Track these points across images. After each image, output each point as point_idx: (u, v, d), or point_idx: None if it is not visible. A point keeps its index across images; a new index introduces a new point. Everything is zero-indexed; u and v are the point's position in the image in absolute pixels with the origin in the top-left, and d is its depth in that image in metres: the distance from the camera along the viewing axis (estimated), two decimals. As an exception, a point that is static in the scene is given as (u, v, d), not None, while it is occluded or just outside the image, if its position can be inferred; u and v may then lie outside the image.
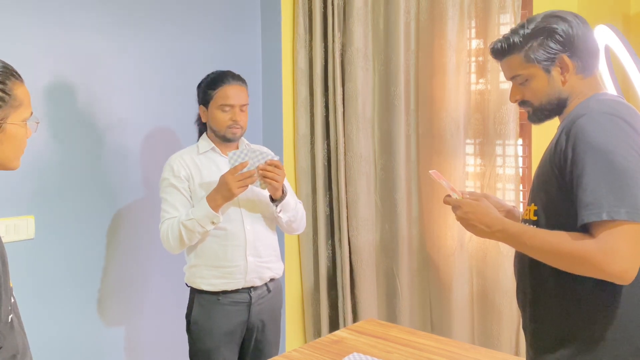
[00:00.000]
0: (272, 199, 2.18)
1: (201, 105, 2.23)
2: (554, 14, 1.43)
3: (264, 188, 2.11)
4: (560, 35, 1.39)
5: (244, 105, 2.21)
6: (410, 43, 2.83)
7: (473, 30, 2.69)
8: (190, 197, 2.17)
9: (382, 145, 2.95)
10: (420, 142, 2.85)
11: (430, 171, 1.65)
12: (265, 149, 2.26)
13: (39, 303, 2.37)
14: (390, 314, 2.95)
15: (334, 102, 3.02)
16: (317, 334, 3.19)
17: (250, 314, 2.21)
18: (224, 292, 2.17)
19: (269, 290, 2.26)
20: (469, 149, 2.72)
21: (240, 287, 2.18)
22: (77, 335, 2.49)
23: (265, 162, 2.08)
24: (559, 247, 1.28)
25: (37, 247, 2.35)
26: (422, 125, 2.82)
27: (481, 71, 2.66)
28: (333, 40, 3.02)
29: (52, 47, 2.37)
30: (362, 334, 2.21)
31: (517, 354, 2.54)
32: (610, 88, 2.15)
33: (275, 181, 2.08)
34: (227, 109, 2.16)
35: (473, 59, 2.70)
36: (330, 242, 3.16)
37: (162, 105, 2.76)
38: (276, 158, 2.10)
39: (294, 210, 2.26)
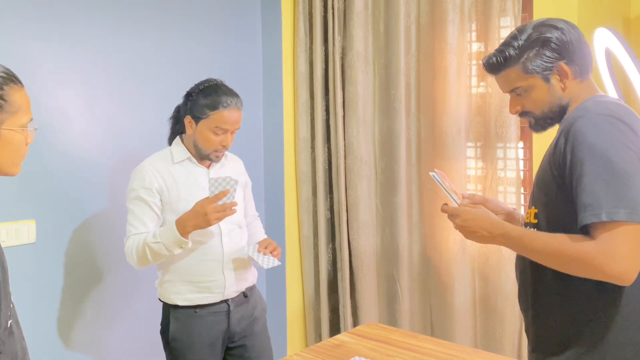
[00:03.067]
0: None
1: (189, 117, 2.07)
2: (545, 22, 1.43)
3: (267, 267, 2.09)
4: (555, 44, 1.40)
5: (237, 129, 2.11)
6: (411, 46, 2.83)
7: (474, 34, 2.69)
8: (161, 211, 2.06)
9: (383, 149, 2.95)
10: (421, 145, 2.85)
11: (431, 173, 1.62)
12: (236, 170, 2.24)
13: (39, 307, 2.36)
14: (391, 318, 2.94)
15: (335, 105, 3.03)
16: (318, 337, 3.19)
17: (230, 322, 2.13)
18: (201, 306, 2.09)
19: (245, 295, 2.19)
20: (470, 152, 2.72)
21: (218, 301, 2.10)
22: (78, 340, 2.49)
23: (264, 247, 2.11)
24: (559, 249, 1.28)
25: (38, 252, 2.35)
26: (423, 129, 2.82)
27: (482, 74, 2.65)
28: (333, 44, 3.02)
29: (53, 52, 2.37)
30: (363, 338, 2.20)
31: (519, 357, 2.53)
32: (610, 91, 2.15)
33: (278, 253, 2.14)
34: (220, 132, 2.05)
35: (474, 62, 2.70)
36: (330, 245, 3.16)
37: (163, 111, 2.75)
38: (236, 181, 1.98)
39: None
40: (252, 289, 2.24)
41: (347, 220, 3.03)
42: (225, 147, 2.09)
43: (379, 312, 3.00)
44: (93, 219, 2.52)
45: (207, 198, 1.94)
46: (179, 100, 2.79)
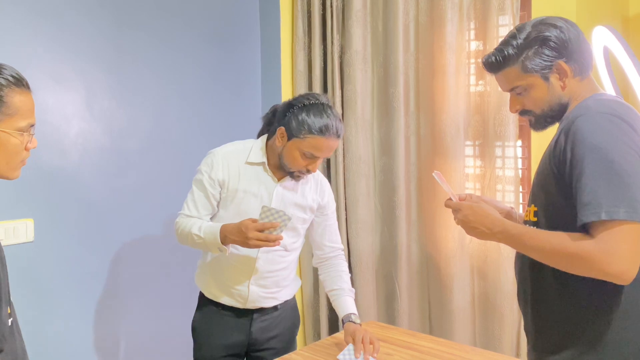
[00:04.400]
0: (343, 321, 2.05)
1: (283, 128, 1.91)
2: (544, 21, 1.43)
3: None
4: (554, 42, 1.40)
5: (327, 157, 1.99)
6: (410, 45, 2.83)
7: (472, 32, 2.69)
8: (219, 203, 2.00)
9: (382, 148, 2.95)
10: (419, 144, 2.85)
11: (434, 173, 1.63)
12: (309, 193, 2.07)
13: (38, 306, 2.36)
14: (389, 317, 2.94)
15: (333, 104, 3.02)
16: (317, 336, 3.19)
17: (252, 331, 2.07)
18: (224, 305, 2.05)
19: (275, 309, 2.10)
20: (469, 150, 2.72)
21: (240, 308, 2.05)
22: (76, 339, 2.49)
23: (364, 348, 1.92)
24: (558, 247, 1.28)
25: (37, 250, 2.35)
26: (422, 127, 2.82)
27: (480, 73, 2.66)
28: (332, 43, 3.02)
29: (51, 51, 2.37)
30: (362, 336, 2.20)
31: (518, 355, 2.53)
32: (609, 89, 2.15)
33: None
34: (310, 157, 1.90)
35: (472, 60, 2.70)
36: (329, 244, 3.16)
37: (162, 108, 2.76)
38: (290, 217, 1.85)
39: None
40: (285, 303, 2.12)
41: (346, 219, 3.03)
42: (310, 172, 1.96)
43: (377, 311, 3.00)
44: (91, 218, 2.52)
45: (255, 222, 1.81)
46: (177, 99, 2.80)
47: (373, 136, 2.99)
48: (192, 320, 2.14)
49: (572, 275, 1.30)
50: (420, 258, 2.88)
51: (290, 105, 1.94)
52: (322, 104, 1.91)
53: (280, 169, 1.98)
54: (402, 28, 2.81)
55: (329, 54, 3.04)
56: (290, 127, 1.89)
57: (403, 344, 2.12)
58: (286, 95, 3.20)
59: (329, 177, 3.13)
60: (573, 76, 1.42)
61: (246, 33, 3.17)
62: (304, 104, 1.90)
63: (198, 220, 1.99)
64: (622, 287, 1.29)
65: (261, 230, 1.80)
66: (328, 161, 3.12)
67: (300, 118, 1.88)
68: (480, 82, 2.66)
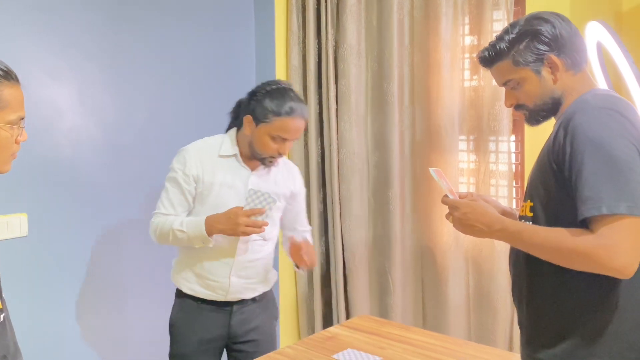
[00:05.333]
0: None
1: (249, 116, 1.98)
2: (536, 15, 1.44)
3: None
4: (545, 36, 1.40)
5: (297, 139, 2.03)
6: (404, 40, 2.83)
7: (467, 27, 2.69)
8: (194, 199, 2.03)
9: (376, 142, 2.95)
10: (414, 138, 2.85)
11: (432, 169, 1.62)
12: (284, 180, 2.14)
13: (31, 300, 2.36)
14: (383, 311, 2.95)
15: (328, 99, 3.02)
16: (311, 330, 3.20)
17: (231, 324, 2.08)
18: (204, 300, 2.07)
19: (254, 300, 2.12)
20: (463, 145, 2.73)
21: (220, 301, 2.06)
22: (70, 333, 2.49)
23: (302, 247, 1.99)
24: (559, 243, 1.28)
25: (30, 245, 2.34)
26: (416, 122, 2.83)
27: (475, 68, 2.66)
28: (326, 37, 3.01)
29: (44, 45, 2.36)
30: (355, 330, 2.21)
31: (511, 349, 2.55)
32: (601, 84, 2.16)
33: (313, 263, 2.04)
34: (279, 140, 1.96)
35: (467, 55, 2.70)
36: (324, 239, 3.16)
37: (156, 102, 2.75)
38: (276, 200, 1.94)
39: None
40: (264, 295, 2.16)
41: (340, 213, 3.03)
42: (281, 155, 2.02)
43: (370, 305, 3.01)
44: (85, 212, 2.51)
45: (243, 209, 1.89)
46: (172, 92, 2.80)
47: (367, 131, 2.99)
48: (170, 317, 2.13)
49: (567, 270, 1.30)
50: (414, 252, 2.89)
51: (253, 94, 2.00)
52: (284, 88, 1.99)
53: (252, 158, 2.03)
54: (397, 23, 2.81)
55: (324, 49, 3.04)
56: (256, 114, 1.96)
57: (396, 337, 2.13)
58: (280, 90, 3.20)
59: (322, 172, 3.14)
60: (565, 70, 1.42)
61: (240, 27, 3.16)
62: (266, 90, 1.98)
63: (177, 217, 2.02)
64: (618, 281, 1.29)
65: (249, 217, 1.87)
66: (322, 156, 3.12)
67: (264, 104, 1.95)
68: (475, 77, 2.67)
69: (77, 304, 2.51)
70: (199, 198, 2.03)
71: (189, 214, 2.06)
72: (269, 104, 1.95)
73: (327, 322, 3.15)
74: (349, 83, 2.95)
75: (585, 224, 1.26)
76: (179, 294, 2.12)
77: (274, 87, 1.98)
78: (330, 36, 3.00)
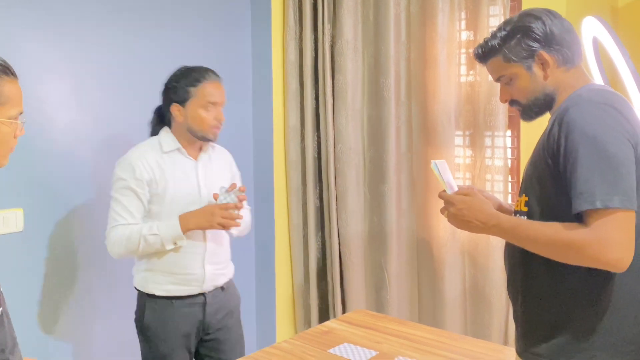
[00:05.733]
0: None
1: (176, 104, 2.06)
2: (528, 12, 1.46)
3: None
4: (536, 33, 1.42)
5: (224, 103, 2.12)
6: (401, 35, 2.83)
7: (463, 22, 2.69)
8: (149, 202, 2.05)
9: (372, 137, 2.96)
10: (410, 134, 2.85)
11: (435, 161, 1.59)
12: (224, 164, 2.26)
13: (27, 295, 2.36)
14: (379, 305, 2.96)
15: (324, 94, 3.02)
16: (307, 324, 3.21)
17: (206, 314, 2.13)
18: (178, 297, 2.09)
19: (222, 289, 2.18)
20: (459, 140, 2.74)
21: (195, 293, 2.10)
22: (65, 329, 2.49)
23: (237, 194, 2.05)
24: (553, 238, 1.29)
25: (26, 240, 2.34)
26: (412, 117, 2.83)
27: (471, 63, 2.67)
28: (323, 32, 3.01)
29: (39, 40, 2.35)
30: (351, 325, 2.22)
31: (506, 343, 2.56)
32: (597, 79, 2.16)
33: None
34: (211, 107, 2.05)
35: (463, 50, 2.71)
36: (320, 233, 3.17)
37: (150, 99, 2.73)
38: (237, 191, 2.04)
39: (245, 223, 2.20)
40: (229, 282, 2.23)
41: (337, 208, 3.04)
42: (219, 122, 2.08)
43: (366, 299, 3.02)
44: (81, 207, 2.51)
45: (219, 204, 1.99)
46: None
47: (363, 126, 2.99)
48: (141, 320, 2.12)
49: (563, 264, 1.31)
50: (410, 247, 2.89)
51: (166, 86, 2.11)
52: (186, 67, 2.11)
53: (192, 144, 2.11)
54: (393, 18, 2.81)
55: (320, 44, 3.03)
56: (179, 97, 2.06)
57: (392, 332, 2.14)
58: (277, 86, 3.19)
59: (319, 166, 3.14)
60: (557, 66, 1.43)
61: (237, 22, 3.16)
62: (175, 75, 2.10)
63: (142, 224, 2.03)
64: (612, 275, 1.30)
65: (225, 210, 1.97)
66: (319, 151, 3.13)
67: (179, 85, 2.06)
68: (471, 72, 2.67)
69: (72, 299, 2.51)
70: (156, 199, 2.05)
71: (148, 216, 2.08)
72: (183, 82, 2.05)
73: (323, 316, 3.16)
74: (346, 78, 2.95)
75: (579, 218, 1.27)
76: (149, 297, 2.11)
77: (178, 72, 2.10)
78: (326, 31, 3.00)
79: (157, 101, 2.84)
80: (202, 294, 2.12)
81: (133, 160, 2.05)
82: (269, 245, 3.24)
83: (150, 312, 2.09)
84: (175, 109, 2.07)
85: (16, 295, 2.27)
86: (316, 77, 3.11)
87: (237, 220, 2.03)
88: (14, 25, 2.28)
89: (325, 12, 3.00)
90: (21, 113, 1.27)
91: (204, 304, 2.12)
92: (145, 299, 2.11)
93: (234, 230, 2.14)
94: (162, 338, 2.08)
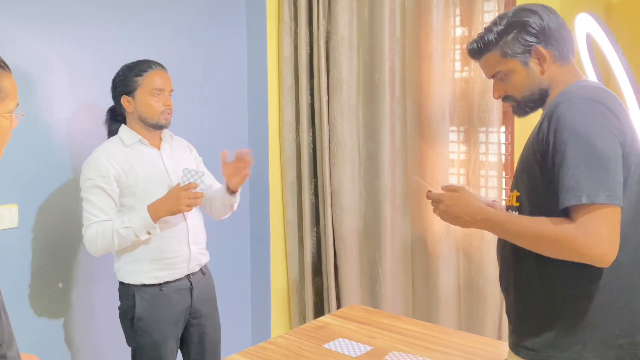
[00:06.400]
0: (230, 189, 2.22)
1: (124, 96, 2.14)
2: (524, 7, 1.46)
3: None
4: (533, 27, 1.42)
5: (172, 90, 2.18)
6: (395, 31, 2.83)
7: (458, 18, 2.70)
8: (119, 196, 2.10)
9: (367, 133, 2.96)
10: (405, 129, 2.86)
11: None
12: (184, 151, 2.33)
13: (22, 291, 2.36)
14: (373, 300, 2.97)
15: (319, 90, 3.03)
16: (303, 319, 3.22)
17: (193, 299, 2.21)
18: (167, 283, 2.15)
19: (203, 273, 2.28)
20: (453, 136, 2.74)
21: (182, 276, 2.17)
22: (61, 324, 2.49)
23: (236, 155, 2.14)
24: (540, 232, 1.30)
25: (21, 236, 2.34)
26: (407, 113, 2.84)
27: (466, 59, 2.67)
28: (318, 28, 3.01)
29: (37, 37, 2.34)
30: (346, 320, 2.23)
31: (499, 338, 2.57)
32: (591, 76, 2.17)
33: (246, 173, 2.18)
34: (157, 93, 2.12)
35: (458, 46, 2.71)
36: (315, 229, 3.18)
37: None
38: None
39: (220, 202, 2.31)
40: (206, 267, 2.33)
41: (332, 204, 3.04)
42: (169, 107, 2.15)
43: (361, 295, 3.03)
44: (75, 203, 2.50)
45: (179, 186, 2.05)
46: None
47: (358, 122, 2.99)
48: (135, 314, 2.13)
49: (554, 259, 1.32)
50: (405, 242, 2.90)
51: (114, 82, 2.18)
52: (131, 62, 2.18)
53: (151, 135, 2.18)
54: (388, 14, 2.81)
55: (315, 40, 3.03)
56: (127, 89, 2.13)
57: (387, 327, 2.15)
58: (272, 81, 3.19)
59: (314, 162, 3.14)
60: (553, 61, 1.44)
61: (232, 18, 3.15)
62: (121, 70, 2.17)
63: (114, 220, 2.07)
64: (602, 269, 1.31)
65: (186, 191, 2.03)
66: (314, 147, 3.13)
67: (126, 78, 2.13)
68: (466, 68, 2.68)
69: (68, 294, 2.51)
70: (127, 192, 2.10)
71: (121, 211, 2.11)
72: (128, 74, 2.14)
73: (318, 311, 3.17)
74: (341, 74, 2.95)
75: (566, 213, 1.28)
76: (137, 288, 2.13)
77: (124, 67, 2.17)
78: (321, 27, 3.00)
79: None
80: (188, 279, 2.19)
81: (97, 158, 2.09)
82: (264, 240, 3.24)
83: (141, 302, 2.12)
84: (124, 100, 2.14)
85: (11, 291, 2.28)
86: (311, 73, 3.11)
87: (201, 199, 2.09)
88: (9, 20, 2.27)
89: (320, 8, 3.00)
90: (17, 106, 1.29)
91: (191, 289, 2.20)
92: (133, 291, 2.13)
93: (214, 211, 2.27)
94: (154, 326, 2.11)
